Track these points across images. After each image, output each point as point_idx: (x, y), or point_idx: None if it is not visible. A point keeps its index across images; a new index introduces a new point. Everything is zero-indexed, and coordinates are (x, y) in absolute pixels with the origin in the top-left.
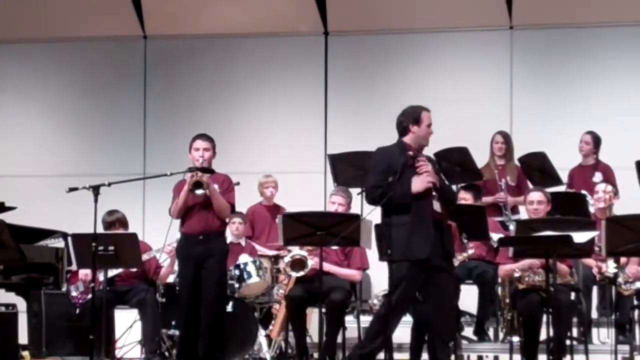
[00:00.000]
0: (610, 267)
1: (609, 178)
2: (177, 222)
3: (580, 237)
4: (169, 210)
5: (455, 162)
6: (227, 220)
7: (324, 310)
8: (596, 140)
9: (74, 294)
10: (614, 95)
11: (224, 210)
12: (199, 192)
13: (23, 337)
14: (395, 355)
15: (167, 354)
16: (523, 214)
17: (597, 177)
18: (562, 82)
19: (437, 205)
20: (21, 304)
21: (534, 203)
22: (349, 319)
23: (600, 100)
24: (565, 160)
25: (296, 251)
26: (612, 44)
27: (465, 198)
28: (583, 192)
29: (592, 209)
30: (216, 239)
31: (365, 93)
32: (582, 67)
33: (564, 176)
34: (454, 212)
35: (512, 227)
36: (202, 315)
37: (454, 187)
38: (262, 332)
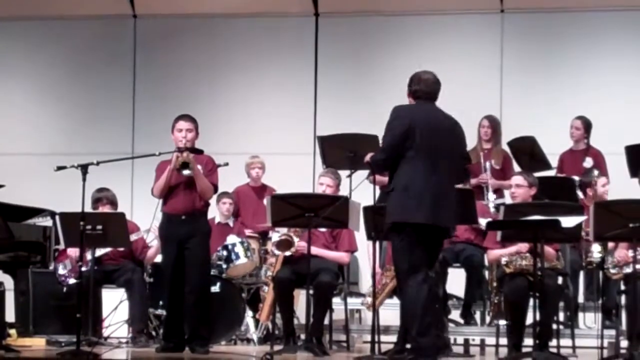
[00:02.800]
0: (594, 251)
1: (599, 163)
2: None
3: (568, 221)
4: (151, 190)
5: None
6: (210, 200)
7: (311, 291)
8: (587, 125)
9: (61, 272)
10: (605, 80)
11: (208, 191)
12: (186, 172)
13: (10, 316)
14: (382, 337)
15: (154, 333)
16: (508, 199)
17: (588, 162)
18: (553, 66)
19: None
20: (8, 282)
21: (512, 186)
22: (337, 301)
23: (591, 84)
24: (554, 144)
25: (283, 231)
26: (603, 29)
27: None
28: (575, 177)
29: (580, 194)
30: (199, 219)
31: (355, 75)
32: (573, 51)
33: (553, 161)
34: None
35: (492, 208)
36: (187, 295)
37: None
38: (249, 313)
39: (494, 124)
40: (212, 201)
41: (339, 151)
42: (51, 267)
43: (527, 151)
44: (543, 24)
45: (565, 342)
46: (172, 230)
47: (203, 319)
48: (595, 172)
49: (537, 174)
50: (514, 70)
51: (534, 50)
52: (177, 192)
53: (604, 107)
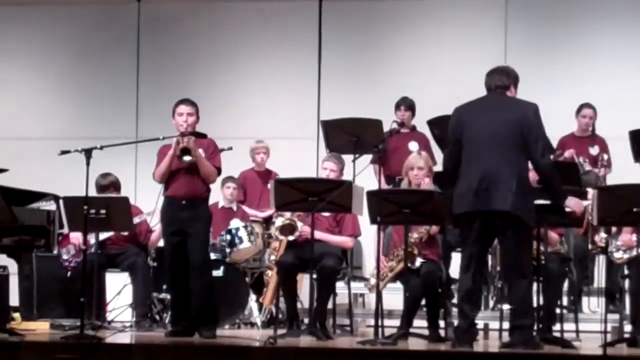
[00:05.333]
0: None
1: (605, 151)
2: None
3: None
4: (152, 175)
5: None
6: (213, 185)
7: (315, 276)
8: (596, 113)
9: (65, 257)
10: (610, 64)
11: (212, 175)
12: (187, 158)
13: (14, 299)
14: (386, 321)
15: (157, 317)
16: None
17: (595, 149)
18: (558, 49)
19: None
20: (12, 266)
21: None
22: (340, 285)
23: (597, 67)
24: (560, 128)
25: (287, 215)
26: (609, 11)
27: None
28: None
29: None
30: (201, 204)
31: (359, 59)
32: (579, 34)
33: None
34: (441, 180)
35: None
36: (190, 280)
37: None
38: (252, 297)
39: None
40: (216, 186)
41: (343, 136)
42: (55, 251)
43: None
44: (548, 6)
45: (569, 326)
46: (173, 214)
47: (208, 303)
48: (594, 174)
49: None
50: (518, 53)
51: (538, 33)
52: (179, 177)
53: (611, 90)
